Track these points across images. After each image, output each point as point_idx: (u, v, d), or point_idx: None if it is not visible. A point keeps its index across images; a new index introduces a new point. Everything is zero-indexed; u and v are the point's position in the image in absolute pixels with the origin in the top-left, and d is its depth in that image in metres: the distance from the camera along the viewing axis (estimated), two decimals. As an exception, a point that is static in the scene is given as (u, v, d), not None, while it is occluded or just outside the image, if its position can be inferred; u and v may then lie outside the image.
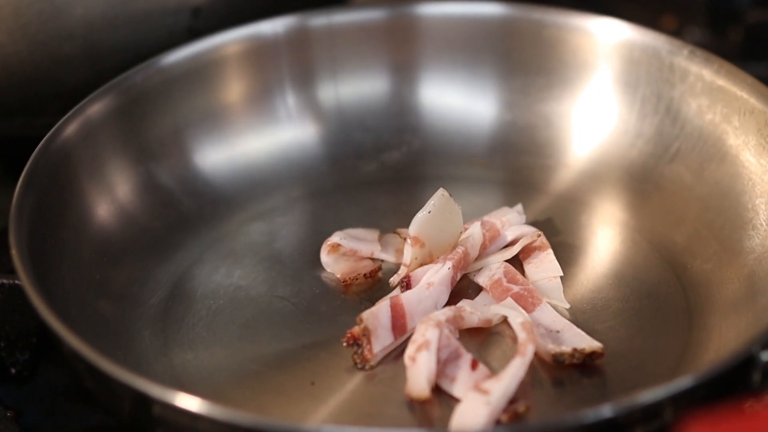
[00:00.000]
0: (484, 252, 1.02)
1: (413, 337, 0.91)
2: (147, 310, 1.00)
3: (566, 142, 1.14)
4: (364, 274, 1.02)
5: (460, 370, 0.90)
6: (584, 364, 0.91)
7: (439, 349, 0.90)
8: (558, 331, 0.94)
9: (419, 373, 0.89)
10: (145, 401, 0.81)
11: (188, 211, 1.09)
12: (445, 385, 0.90)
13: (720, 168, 1.05)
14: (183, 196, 1.10)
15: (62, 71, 1.12)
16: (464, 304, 0.96)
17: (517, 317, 0.93)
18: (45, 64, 1.11)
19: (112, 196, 1.06)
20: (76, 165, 1.03)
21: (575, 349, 0.91)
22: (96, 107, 1.06)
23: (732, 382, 0.83)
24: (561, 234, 1.06)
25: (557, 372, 0.92)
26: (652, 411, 0.79)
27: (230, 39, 1.14)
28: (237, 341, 0.97)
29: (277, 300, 1.01)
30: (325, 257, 1.04)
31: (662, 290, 1.00)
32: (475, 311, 0.95)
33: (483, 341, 0.95)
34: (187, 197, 1.11)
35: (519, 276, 0.99)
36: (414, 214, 1.00)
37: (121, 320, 0.98)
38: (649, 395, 0.79)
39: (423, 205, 1.00)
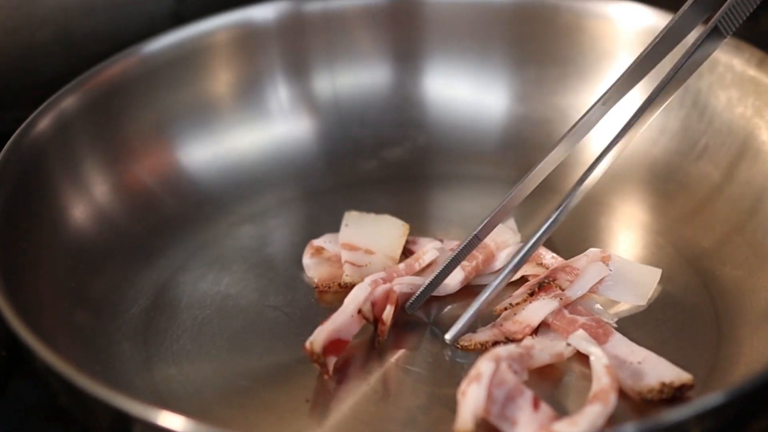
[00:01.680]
0: (479, 275, 1.02)
1: (469, 372, 0.89)
2: (127, 321, 1.00)
3: (584, 139, 1.14)
4: (339, 284, 1.02)
5: (521, 411, 0.88)
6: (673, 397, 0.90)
7: (495, 386, 0.88)
8: (639, 362, 0.92)
9: (466, 405, 0.87)
10: (125, 420, 0.81)
11: (172, 214, 1.10)
12: (506, 429, 0.88)
13: (752, 166, 1.05)
14: (166, 197, 1.11)
15: (35, 61, 1.12)
16: (533, 343, 0.94)
17: (600, 358, 0.91)
18: (16, 53, 1.11)
19: (89, 197, 1.06)
20: (49, 163, 1.04)
21: (664, 384, 0.90)
22: (71, 100, 1.06)
23: (764, 400, 0.83)
24: (579, 238, 1.06)
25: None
26: (678, 431, 0.79)
27: (218, 26, 1.14)
28: (225, 354, 0.97)
29: (268, 310, 1.01)
30: (306, 260, 1.05)
31: (688, 299, 1.00)
32: (544, 348, 0.93)
33: (544, 378, 0.93)
34: (170, 198, 1.11)
35: (579, 305, 0.98)
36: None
37: (99, 332, 0.98)
38: (674, 414, 0.78)
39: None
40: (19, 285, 0.92)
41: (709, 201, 1.06)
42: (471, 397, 0.87)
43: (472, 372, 0.89)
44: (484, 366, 0.88)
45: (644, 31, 1.12)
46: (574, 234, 1.06)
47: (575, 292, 0.98)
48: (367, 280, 0.98)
